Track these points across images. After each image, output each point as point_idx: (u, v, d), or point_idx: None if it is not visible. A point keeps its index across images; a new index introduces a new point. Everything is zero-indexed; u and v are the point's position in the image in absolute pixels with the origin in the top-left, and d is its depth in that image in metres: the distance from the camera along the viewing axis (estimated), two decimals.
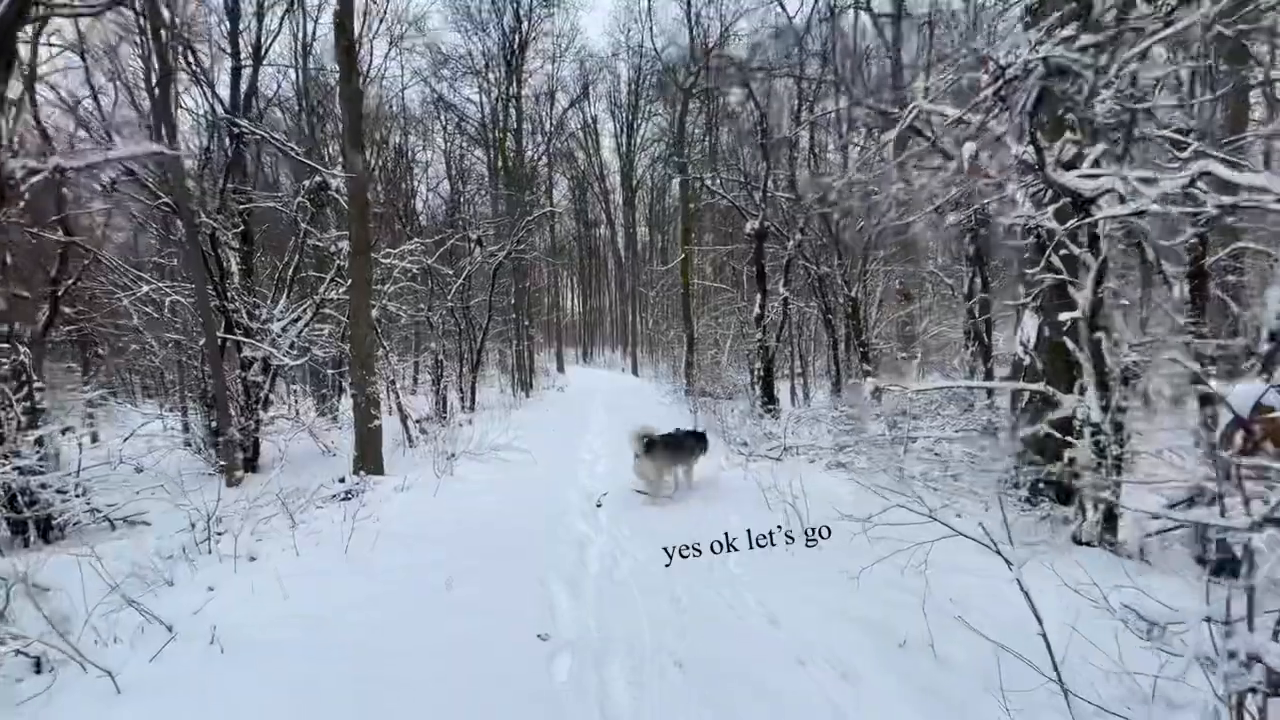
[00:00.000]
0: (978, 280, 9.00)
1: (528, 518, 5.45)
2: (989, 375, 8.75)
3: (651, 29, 22.71)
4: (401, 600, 3.74)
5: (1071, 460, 4.52)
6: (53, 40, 8.21)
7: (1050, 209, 4.12)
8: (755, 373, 11.61)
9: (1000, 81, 3.15)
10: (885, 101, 8.56)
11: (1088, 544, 4.39)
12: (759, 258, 11.24)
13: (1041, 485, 4.75)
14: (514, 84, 23.03)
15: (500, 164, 23.65)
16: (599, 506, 5.75)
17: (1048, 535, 4.55)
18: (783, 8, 11.49)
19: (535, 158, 27.78)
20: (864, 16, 15.22)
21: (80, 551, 3.84)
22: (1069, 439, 4.65)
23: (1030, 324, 4.92)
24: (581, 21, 58.55)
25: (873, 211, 11.46)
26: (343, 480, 7.34)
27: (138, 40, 8.95)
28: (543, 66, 26.51)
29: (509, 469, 7.65)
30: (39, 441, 6.55)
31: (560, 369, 31.12)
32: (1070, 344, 4.71)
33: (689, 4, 19.79)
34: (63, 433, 7.54)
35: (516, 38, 22.99)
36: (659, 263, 32.79)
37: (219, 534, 5.45)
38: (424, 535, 5.02)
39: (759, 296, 11.34)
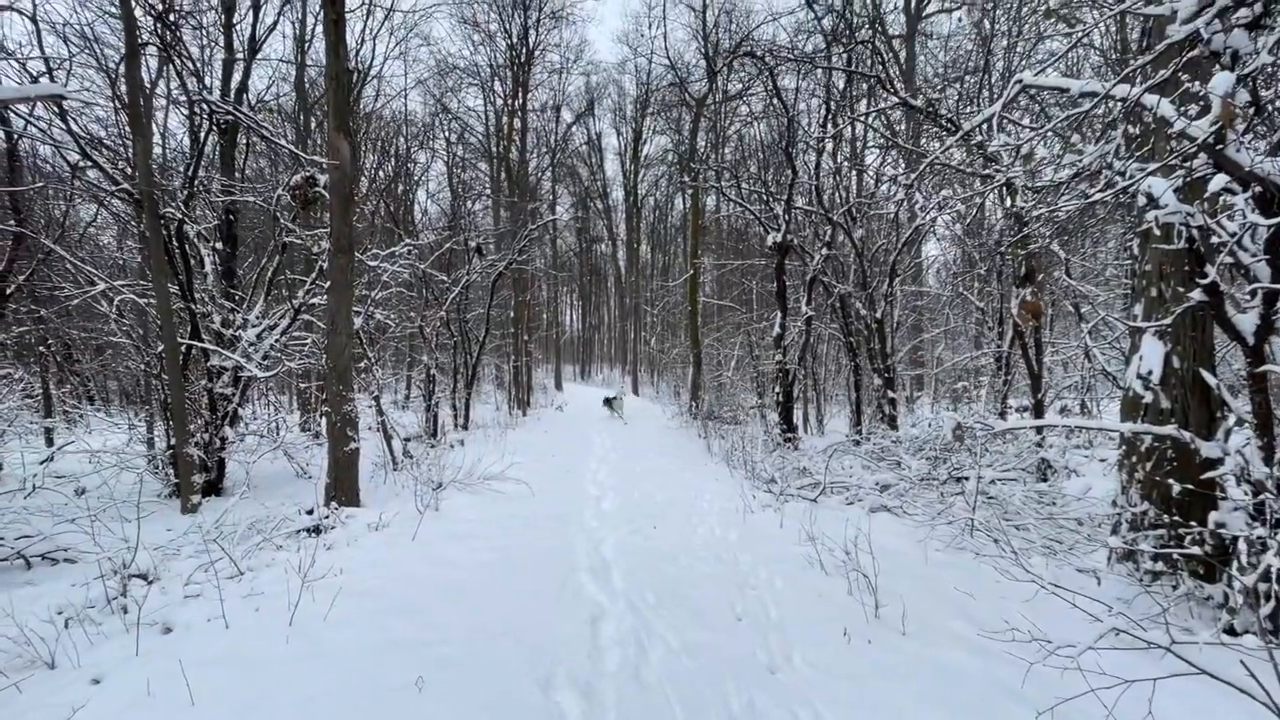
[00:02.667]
0: (1025, 294, 8.02)
1: (525, 575, 4.37)
2: (1039, 407, 7.75)
3: (665, 35, 21.81)
4: (352, 712, 2.66)
5: (1220, 525, 3.51)
6: (13, 5, 7.20)
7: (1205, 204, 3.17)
8: (774, 396, 10.57)
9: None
10: (922, 102, 7.69)
11: (1247, 632, 3.36)
12: (780, 273, 10.28)
13: (1176, 555, 3.71)
14: (520, 95, 22.26)
15: (503, 175, 22.80)
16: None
17: (1188, 619, 3.51)
18: (810, 6, 10.63)
19: (539, 171, 26.97)
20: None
21: None
22: (1211, 494, 3.67)
23: (1155, 352, 3.93)
24: (589, 34, 58.32)
25: (902, 227, 10.63)
26: (310, 512, 6.26)
27: (104, 11, 8.00)
28: (548, 79, 25.82)
29: (503, 504, 6.57)
30: None
31: (558, 386, 30.01)
32: (1212, 378, 3.73)
33: (703, 19, 19.11)
34: None
35: (524, 49, 22.28)
36: (660, 281, 31.99)
37: (149, 581, 4.39)
38: (395, 597, 3.94)
39: (779, 315, 10.36)
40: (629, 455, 10.32)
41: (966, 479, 6.67)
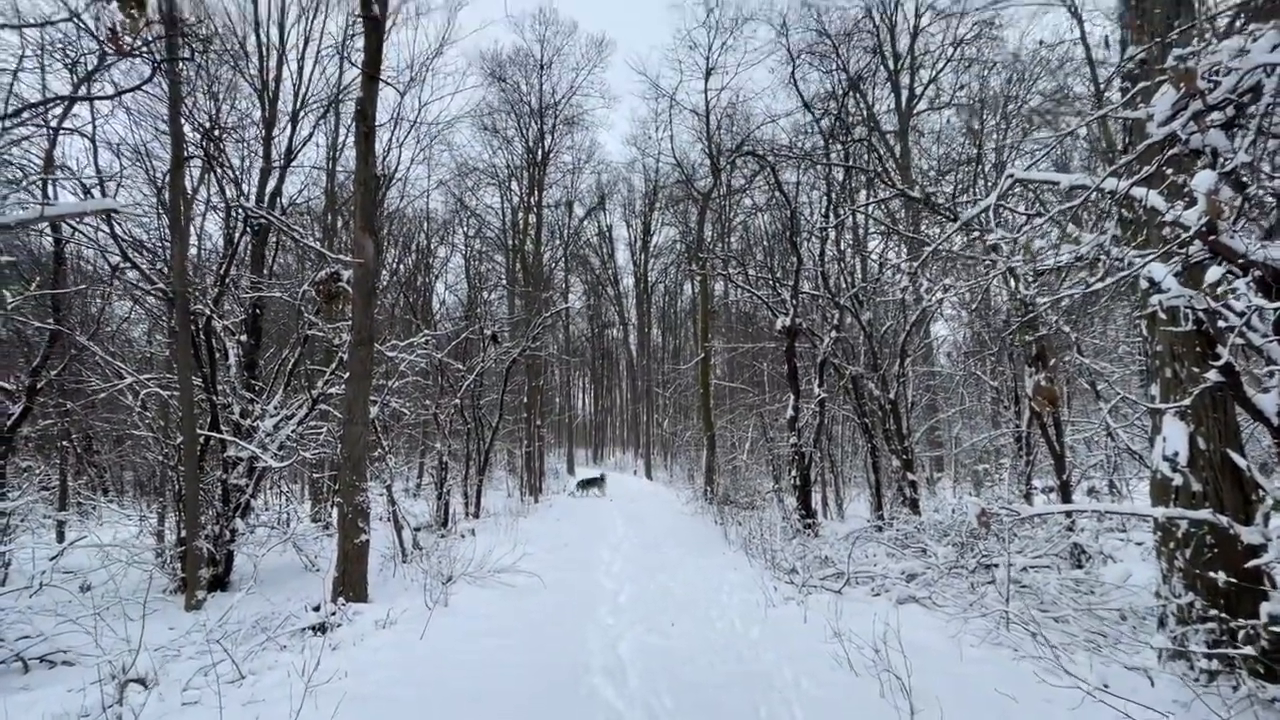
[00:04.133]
0: (1039, 380, 7.98)
1: (538, 677, 4.15)
2: (1065, 489, 7.53)
3: (671, 138, 23.33)
4: None
5: (1274, 619, 3.30)
6: (76, 129, 7.88)
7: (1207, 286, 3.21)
8: (791, 480, 10.37)
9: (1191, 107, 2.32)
10: (919, 194, 8.03)
11: None
12: (791, 356, 10.37)
13: (1233, 654, 3.47)
14: (535, 193, 23.53)
15: (519, 267, 23.71)
16: None
17: None
18: (808, 109, 11.42)
19: (553, 261, 28.00)
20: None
21: None
22: (1260, 584, 3.47)
23: (1178, 434, 3.86)
24: (600, 136, 62.23)
25: (908, 310, 10.79)
26: (317, 608, 6.08)
27: (158, 129, 8.74)
28: (562, 178, 27.34)
29: (515, 599, 6.34)
30: None
31: (571, 470, 29.65)
32: (1241, 460, 3.64)
33: (706, 122, 20.38)
34: None
35: (539, 151, 23.78)
36: (672, 364, 32.29)
37: (148, 686, 4.22)
38: (402, 703, 3.75)
39: (791, 398, 10.35)
40: (644, 545, 10.03)
41: (996, 566, 6.38)
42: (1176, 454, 3.88)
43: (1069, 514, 7.28)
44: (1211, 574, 3.53)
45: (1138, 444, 8.62)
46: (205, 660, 4.51)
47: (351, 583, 6.25)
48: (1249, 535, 3.45)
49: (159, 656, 4.73)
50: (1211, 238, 2.88)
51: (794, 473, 10.31)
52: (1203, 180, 2.27)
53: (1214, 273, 2.54)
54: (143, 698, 3.86)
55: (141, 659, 4.31)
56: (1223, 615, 3.45)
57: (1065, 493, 7.56)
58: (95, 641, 4.84)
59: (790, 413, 10.34)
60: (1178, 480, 3.87)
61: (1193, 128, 2.40)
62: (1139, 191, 3.05)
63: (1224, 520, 3.47)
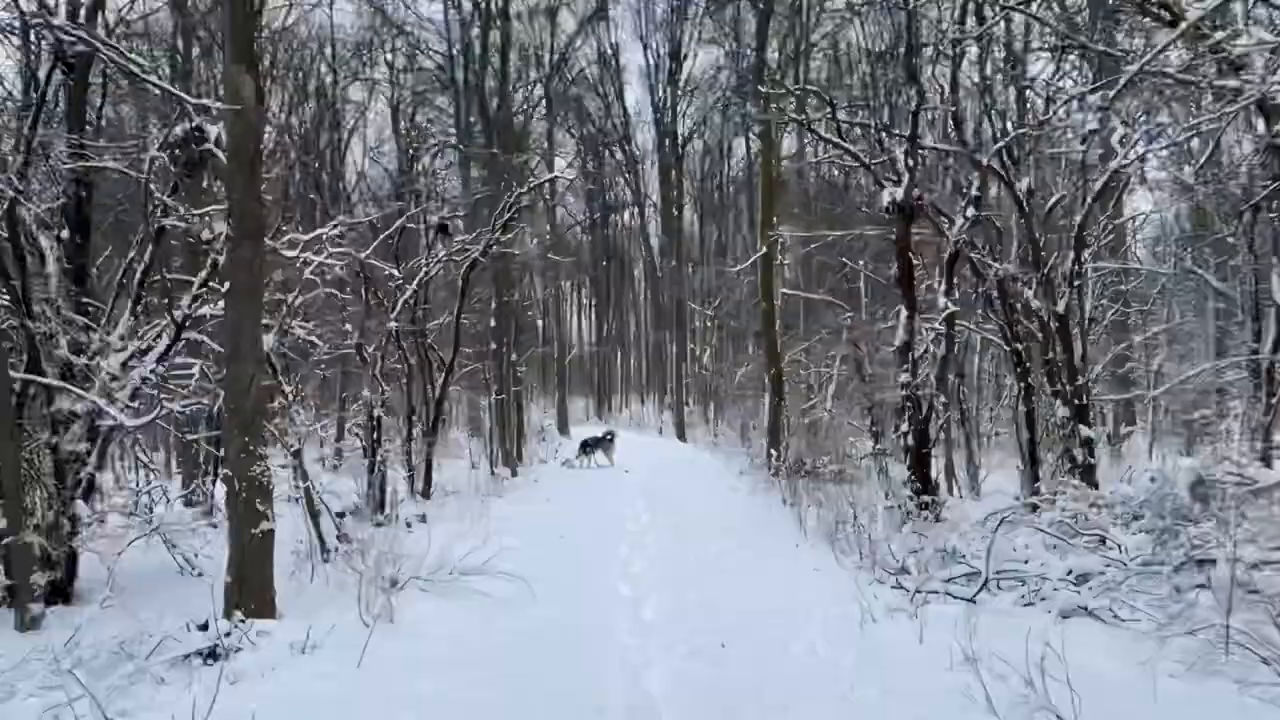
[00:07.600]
0: None
1: None
2: None
3: None
4: None
5: None
6: None
7: None
8: (900, 439, 10.50)
9: None
10: None
11: None
12: (905, 249, 10.26)
13: None
14: None
15: (476, 117, 23.33)
16: None
17: None
18: None
19: (528, 106, 27.53)
20: None
21: None
22: None
23: None
24: None
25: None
26: (204, 626, 6.41)
27: None
28: None
29: (492, 612, 6.64)
30: None
31: (563, 429, 30.25)
32: None
33: None
34: None
35: None
36: (716, 266, 32.09)
37: None
38: None
39: (904, 314, 10.31)
40: (678, 534, 10.34)
41: (1214, 563, 6.50)
42: None
43: None
44: None
45: None
46: (55, 698, 4.81)
47: (252, 590, 6.54)
48: None
49: None
50: None
51: (905, 428, 10.41)
52: None
53: None
54: None
55: None
56: None
57: None
58: None
59: (902, 336, 10.37)
60: None
61: None
62: None
63: None
